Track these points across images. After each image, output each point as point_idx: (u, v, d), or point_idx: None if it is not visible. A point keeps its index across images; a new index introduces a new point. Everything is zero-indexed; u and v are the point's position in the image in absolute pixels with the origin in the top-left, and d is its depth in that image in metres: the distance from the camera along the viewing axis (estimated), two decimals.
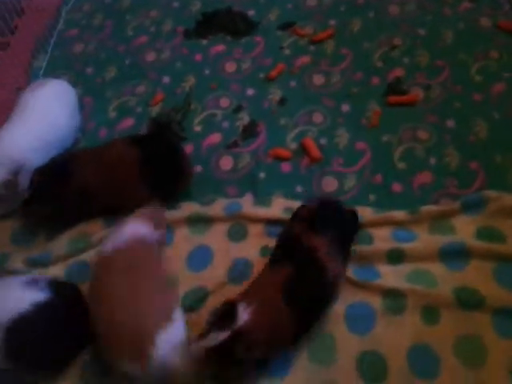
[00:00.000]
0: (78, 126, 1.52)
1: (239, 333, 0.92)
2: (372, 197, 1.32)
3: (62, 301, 1.07)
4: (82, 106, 1.62)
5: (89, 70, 1.74)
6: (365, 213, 1.26)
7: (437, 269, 1.15)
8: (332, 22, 1.75)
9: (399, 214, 1.25)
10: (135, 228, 1.15)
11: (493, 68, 1.54)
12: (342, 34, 1.70)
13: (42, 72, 1.74)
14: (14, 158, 1.26)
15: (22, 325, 1.01)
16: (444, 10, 1.73)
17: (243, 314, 0.95)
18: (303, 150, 1.43)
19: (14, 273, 1.25)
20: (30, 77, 1.71)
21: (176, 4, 1.91)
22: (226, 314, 0.96)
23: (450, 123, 1.44)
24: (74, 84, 1.64)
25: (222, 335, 0.92)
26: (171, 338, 0.98)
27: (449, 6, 1.74)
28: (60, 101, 1.46)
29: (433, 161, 1.36)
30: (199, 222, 1.30)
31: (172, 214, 1.30)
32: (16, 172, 1.26)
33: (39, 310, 1.02)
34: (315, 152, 1.41)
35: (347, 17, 1.76)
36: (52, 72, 1.74)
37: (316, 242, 1.06)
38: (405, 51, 1.62)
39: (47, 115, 1.40)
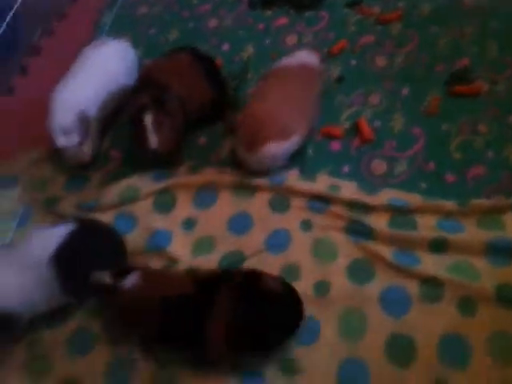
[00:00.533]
0: None
1: None
2: (423, 184, 1.29)
3: (91, 227, 1.18)
4: (141, 65, 1.65)
5: (152, 32, 1.77)
6: (413, 199, 1.24)
7: (480, 263, 1.11)
8: (400, 4, 1.69)
9: (448, 205, 1.21)
10: (305, 55, 1.41)
11: None
12: (410, 17, 1.65)
13: (107, 28, 1.79)
14: (80, 103, 1.31)
15: (65, 252, 1.09)
16: None
17: None
18: (356, 129, 1.41)
19: (63, 216, 1.31)
20: (95, 32, 1.76)
21: None
22: None
23: None
24: (136, 44, 1.68)
25: None
26: (283, 148, 1.25)
27: None
28: (120, 59, 1.50)
29: (490, 154, 1.31)
30: (244, 188, 1.31)
31: (217, 177, 1.32)
32: (81, 117, 1.30)
33: (74, 237, 1.11)
34: (368, 132, 1.39)
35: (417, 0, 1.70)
36: (117, 31, 1.78)
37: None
38: (474, 42, 1.55)
39: (108, 71, 1.44)
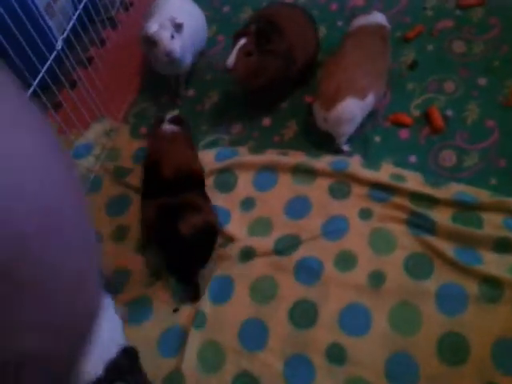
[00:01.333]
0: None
1: None
2: (493, 180, 1.23)
3: None
4: (215, 42, 1.68)
5: (225, 9, 1.78)
6: (481, 195, 1.19)
7: None
8: None
9: None
10: (380, 16, 1.41)
11: None
12: (494, 2, 1.54)
13: None
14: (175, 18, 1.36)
15: None
16: None
17: None
18: (426, 118, 1.36)
19: (132, 187, 1.38)
20: None
21: None
22: None
23: None
24: (211, 21, 1.70)
25: None
26: (361, 106, 1.27)
27: None
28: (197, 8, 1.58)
29: None
30: (304, 172, 1.31)
31: (279, 159, 1.33)
32: (172, 20, 1.36)
33: None
34: (439, 121, 1.33)
35: None
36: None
37: None
38: None
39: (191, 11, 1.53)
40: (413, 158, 1.31)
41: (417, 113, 1.38)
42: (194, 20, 1.50)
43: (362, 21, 1.40)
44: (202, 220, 1.11)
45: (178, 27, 1.36)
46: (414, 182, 1.24)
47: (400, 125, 1.37)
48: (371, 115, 1.38)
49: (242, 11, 1.75)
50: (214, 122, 1.50)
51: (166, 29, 1.34)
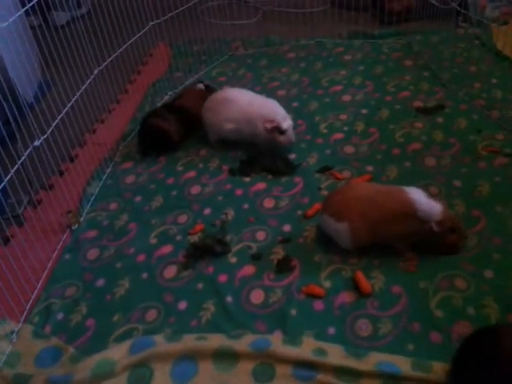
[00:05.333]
0: None
1: None
2: (410, 346, 1.25)
3: None
4: (126, 231, 1.70)
5: (137, 199, 1.85)
6: (401, 363, 1.20)
7: None
8: (369, 168, 1.84)
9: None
10: None
11: None
12: (379, 179, 1.77)
13: (93, 198, 1.87)
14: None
15: None
16: (479, 164, 1.79)
17: None
18: (354, 283, 1.42)
19: None
20: (81, 202, 1.83)
21: (222, 148, 2.07)
22: None
23: (488, 274, 1.40)
24: (121, 211, 1.75)
25: None
26: None
27: (484, 160, 1.81)
28: None
29: (471, 311, 1.31)
30: (225, 357, 1.25)
31: (198, 345, 1.27)
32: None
33: None
34: (365, 285, 1.40)
35: (384, 164, 1.85)
36: (103, 198, 1.87)
37: None
38: (441, 199, 1.65)
39: None
40: (331, 330, 1.32)
41: (327, 283, 1.44)
42: None
43: None
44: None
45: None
46: (335, 355, 1.23)
47: (313, 296, 1.41)
48: (286, 289, 1.42)
49: (153, 200, 1.83)
50: (126, 310, 1.44)
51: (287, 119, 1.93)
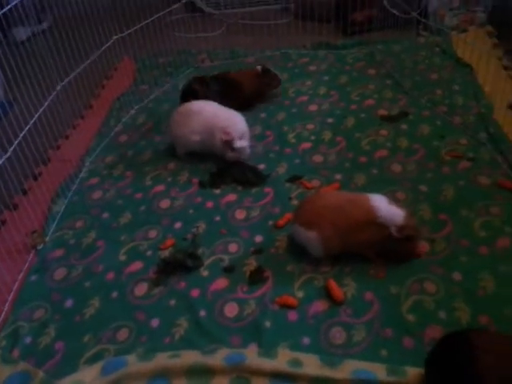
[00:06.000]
0: None
1: None
2: (384, 351, 1.26)
3: None
4: (94, 248, 1.66)
5: (105, 215, 1.81)
6: (376, 369, 1.21)
7: None
8: (337, 177, 1.86)
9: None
10: None
11: (496, 223, 1.58)
12: (348, 187, 1.79)
13: (59, 216, 1.83)
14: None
15: None
16: (443, 169, 1.83)
17: None
18: (326, 291, 1.43)
19: None
20: (47, 220, 1.79)
21: (191, 160, 2.06)
22: None
23: (457, 276, 1.43)
24: (89, 228, 1.71)
25: None
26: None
27: (448, 165, 1.85)
28: None
29: (442, 314, 1.33)
30: (199, 373, 1.23)
31: (171, 363, 1.25)
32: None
33: None
34: (338, 292, 1.41)
35: (352, 172, 1.87)
36: (69, 216, 1.82)
37: None
38: (408, 205, 1.68)
39: None
40: (306, 340, 1.32)
41: (300, 293, 1.44)
42: None
43: None
44: None
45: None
46: (311, 365, 1.23)
47: (287, 307, 1.41)
48: (260, 300, 1.41)
49: (122, 216, 1.80)
50: (96, 331, 1.40)
51: (244, 139, 1.94)
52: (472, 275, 1.43)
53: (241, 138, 1.92)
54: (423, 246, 1.53)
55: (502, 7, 2.27)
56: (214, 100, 2.08)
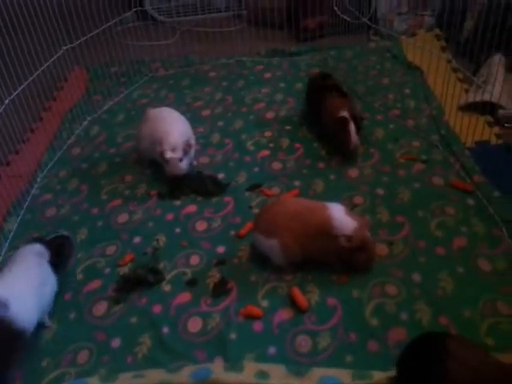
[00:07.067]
0: None
1: None
2: (349, 357, 1.27)
3: None
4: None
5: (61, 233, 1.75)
6: (342, 375, 1.21)
7: None
8: (296, 183, 1.86)
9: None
10: None
11: (451, 223, 1.63)
12: (307, 194, 1.80)
13: (11, 235, 1.75)
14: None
15: None
16: (398, 172, 1.87)
17: None
18: (291, 299, 1.42)
19: None
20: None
21: (149, 171, 2.02)
22: None
23: (417, 278, 1.46)
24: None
25: None
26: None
27: (402, 167, 1.89)
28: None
29: (404, 316, 1.35)
30: None
31: (136, 382, 1.21)
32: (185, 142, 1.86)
33: None
34: (302, 301, 1.41)
35: (310, 179, 1.88)
36: (22, 235, 1.75)
37: None
38: (365, 209, 1.71)
39: None
40: (272, 350, 1.31)
41: (265, 303, 1.43)
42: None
43: None
44: None
45: (188, 147, 1.86)
46: (277, 376, 1.23)
47: (252, 317, 1.40)
48: (224, 313, 1.39)
49: (78, 233, 1.74)
50: (55, 354, 1.35)
51: (177, 151, 1.82)
52: (431, 276, 1.46)
53: (173, 149, 1.81)
54: (381, 250, 1.55)
55: (450, 10, 2.34)
56: None
